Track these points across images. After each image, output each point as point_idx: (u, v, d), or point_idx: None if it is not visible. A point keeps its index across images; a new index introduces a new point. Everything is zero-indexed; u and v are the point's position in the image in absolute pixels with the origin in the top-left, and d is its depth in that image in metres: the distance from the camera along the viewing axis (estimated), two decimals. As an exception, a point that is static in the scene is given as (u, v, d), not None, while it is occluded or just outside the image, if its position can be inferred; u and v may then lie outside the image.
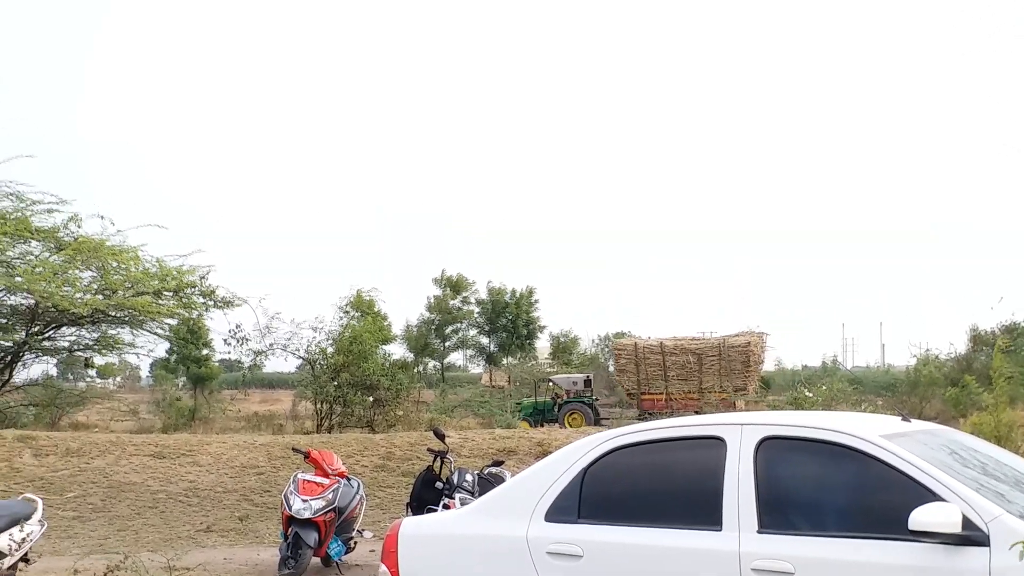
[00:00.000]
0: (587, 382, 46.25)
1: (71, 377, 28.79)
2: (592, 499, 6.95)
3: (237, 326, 29.20)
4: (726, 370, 45.18)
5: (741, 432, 6.69)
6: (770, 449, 6.61)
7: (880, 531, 6.10)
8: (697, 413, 39.29)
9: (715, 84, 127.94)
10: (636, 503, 6.92)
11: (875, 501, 6.34)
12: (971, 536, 5.80)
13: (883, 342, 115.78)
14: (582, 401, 44.55)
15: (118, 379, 66.47)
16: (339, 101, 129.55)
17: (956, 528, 5.76)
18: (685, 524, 6.63)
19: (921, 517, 5.79)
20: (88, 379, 31.06)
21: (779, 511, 6.51)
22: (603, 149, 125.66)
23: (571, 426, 38.22)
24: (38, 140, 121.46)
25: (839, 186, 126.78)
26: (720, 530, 6.47)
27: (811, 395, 30.64)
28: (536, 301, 74.73)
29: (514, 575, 6.92)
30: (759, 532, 6.39)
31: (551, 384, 47.35)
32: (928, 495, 5.99)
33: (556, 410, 43.84)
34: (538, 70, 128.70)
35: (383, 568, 7.42)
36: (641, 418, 44.12)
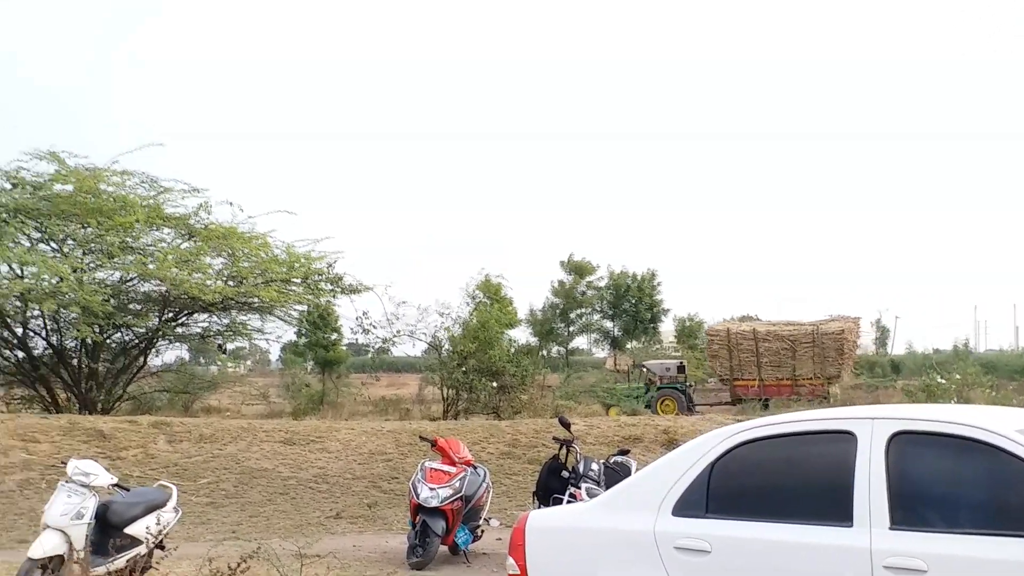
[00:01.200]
0: (680, 368, 45.96)
1: (203, 362, 29.38)
2: (720, 493, 6.89)
3: (364, 313, 29.51)
4: (819, 357, 44.82)
5: (872, 426, 6.57)
6: (902, 443, 6.48)
7: (1017, 529, 5.95)
8: (810, 400, 39.20)
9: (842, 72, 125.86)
10: (765, 498, 6.84)
11: (1011, 497, 6.18)
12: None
13: (1016, 324, 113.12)
14: (675, 387, 44.31)
15: (248, 363, 67.60)
16: (462, 76, 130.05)
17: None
18: (815, 520, 6.54)
19: None
20: (219, 363, 31.66)
21: (912, 507, 6.38)
22: (732, 122, 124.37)
23: (663, 413, 37.95)
24: (167, 130, 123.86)
25: (974, 160, 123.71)
26: (851, 526, 6.36)
27: (943, 381, 30.08)
28: (659, 284, 74.49)
29: (641, 570, 6.90)
30: (891, 529, 6.27)
31: (644, 370, 47.13)
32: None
33: (648, 396, 43.66)
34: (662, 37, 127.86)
35: (510, 561, 7.45)
36: (733, 403, 43.99)
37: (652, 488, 7.13)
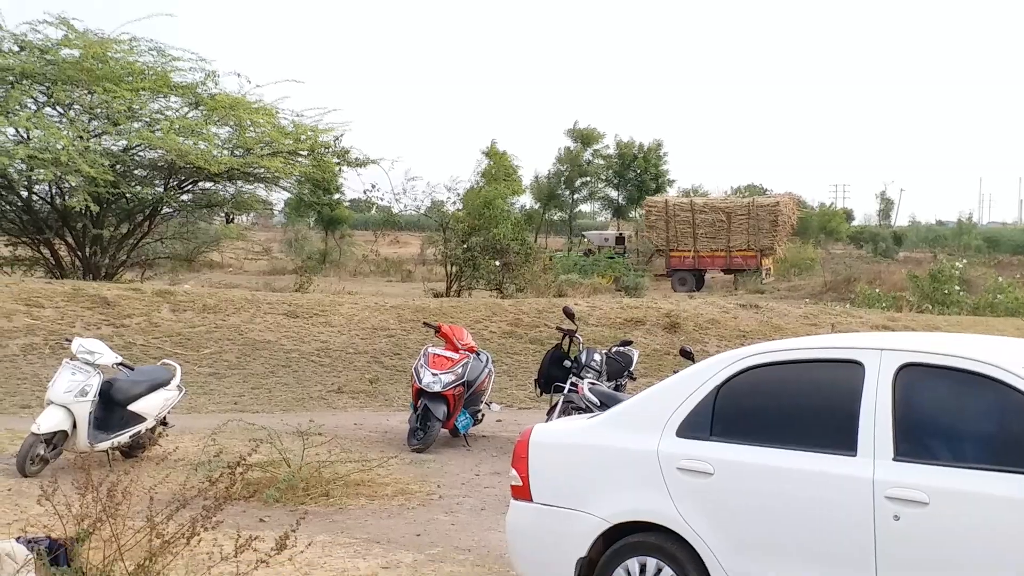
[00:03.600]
0: (619, 239, 46.36)
1: (206, 215, 29.34)
2: (725, 417, 6.88)
3: (372, 186, 29.45)
4: (754, 229, 46.55)
5: (880, 357, 6.54)
6: (910, 375, 6.45)
7: (1020, 465, 5.96)
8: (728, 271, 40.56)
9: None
10: (769, 423, 6.84)
11: (1016, 433, 6.18)
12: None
13: (1021, 198, 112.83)
14: (611, 259, 44.74)
15: (251, 216, 67.47)
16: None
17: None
18: (819, 448, 6.55)
19: None
20: (220, 219, 31.56)
21: (916, 439, 6.39)
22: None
23: (602, 280, 38.48)
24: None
25: (984, 33, 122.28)
26: (855, 456, 6.38)
27: (959, 266, 30.42)
28: (665, 154, 74.14)
29: (644, 488, 6.93)
30: (895, 460, 6.28)
31: (585, 239, 47.67)
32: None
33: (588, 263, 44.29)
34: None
35: (513, 472, 7.49)
36: (668, 275, 45.08)
37: (657, 408, 7.13)
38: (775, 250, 47.66)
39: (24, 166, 23.14)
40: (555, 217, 77.35)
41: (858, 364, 6.57)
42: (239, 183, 27.30)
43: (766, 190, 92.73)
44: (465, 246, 28.26)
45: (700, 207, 48.11)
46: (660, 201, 49.60)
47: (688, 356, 12.92)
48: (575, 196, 76.39)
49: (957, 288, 30.24)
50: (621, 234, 47.61)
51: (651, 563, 6.81)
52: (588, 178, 74.80)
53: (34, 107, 24.54)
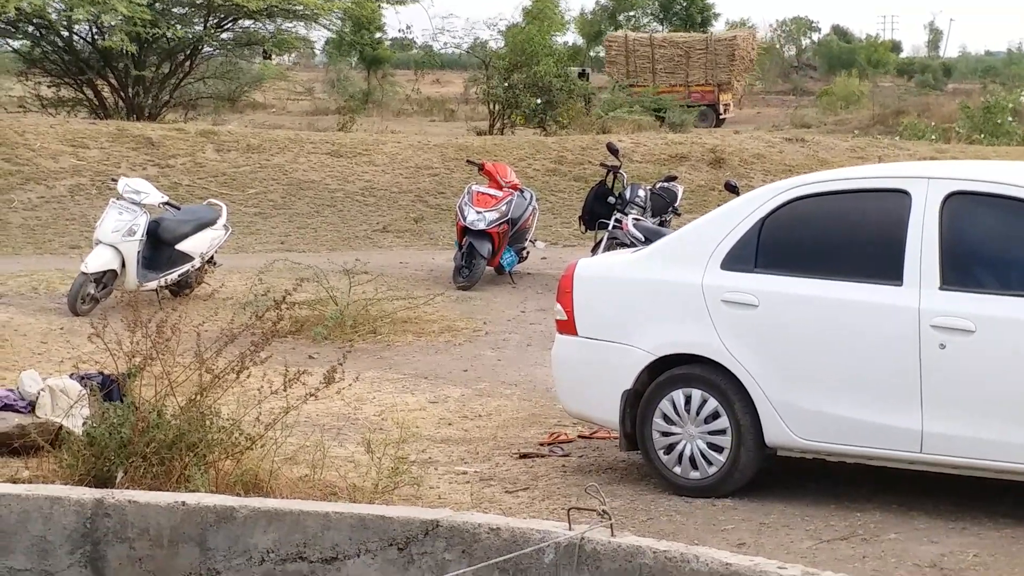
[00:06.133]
0: (581, 74, 45.97)
1: (247, 53, 29.09)
2: (770, 249, 6.85)
3: (408, 27, 29.15)
4: (711, 64, 46.48)
5: (927, 185, 6.48)
6: (956, 204, 6.41)
7: None
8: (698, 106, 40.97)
9: None
10: (815, 254, 6.82)
11: None
12: None
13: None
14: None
15: (292, 56, 66.98)
16: None
17: None
18: (864, 278, 6.55)
19: None
20: (262, 59, 31.29)
21: (963, 268, 6.40)
22: None
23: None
24: None
25: None
26: (900, 285, 6.37)
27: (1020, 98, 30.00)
28: (711, -13, 72.61)
29: (688, 321, 6.94)
30: (941, 289, 6.28)
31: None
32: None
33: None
34: None
35: (558, 307, 7.50)
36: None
37: (701, 241, 7.09)
38: (733, 85, 47.66)
39: (62, 6, 22.98)
40: (600, 54, 76.29)
41: (904, 193, 6.52)
42: (278, 20, 27.03)
43: (813, 23, 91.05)
44: (507, 84, 28.00)
45: (659, 42, 48.26)
46: (620, 36, 49.71)
47: (733, 190, 12.82)
48: (618, 31, 75.25)
49: (1009, 119, 29.76)
50: (584, 70, 47.36)
51: (696, 395, 6.85)
52: (633, 12, 73.56)
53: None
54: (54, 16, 23.71)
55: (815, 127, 40.27)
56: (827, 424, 6.55)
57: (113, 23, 22.83)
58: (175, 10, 25.75)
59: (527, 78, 27.89)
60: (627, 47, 47.56)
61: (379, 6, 27.90)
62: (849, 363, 6.52)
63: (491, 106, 29.00)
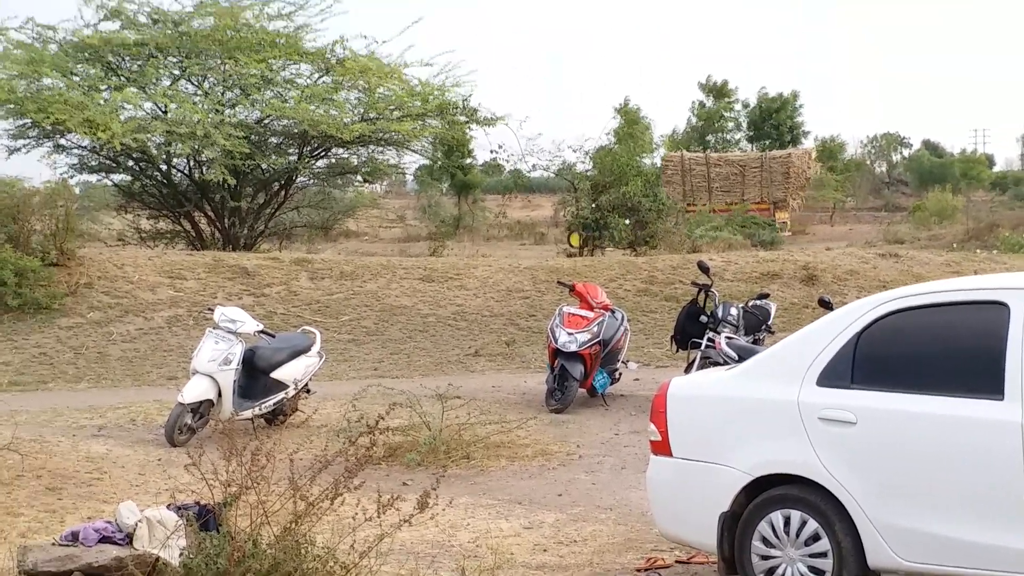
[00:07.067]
0: None
1: (340, 183, 29.68)
2: (866, 364, 6.73)
3: (500, 146, 29.56)
4: (767, 182, 46.71)
5: None
6: None
7: None
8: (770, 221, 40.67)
9: None
10: (913, 369, 6.68)
11: None
12: None
13: None
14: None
15: (384, 185, 68.07)
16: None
17: None
18: (964, 392, 6.39)
19: None
20: (356, 184, 31.86)
21: (1066, 382, 6.23)
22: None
23: (572, 245, 37.99)
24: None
25: None
26: (1002, 399, 6.22)
27: None
28: (801, 106, 72.79)
29: (785, 440, 6.82)
30: None
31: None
32: None
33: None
34: None
35: (652, 427, 7.42)
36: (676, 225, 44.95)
37: (796, 357, 7.00)
38: (788, 203, 47.57)
39: (162, 140, 23.60)
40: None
41: (1003, 305, 6.40)
42: (371, 147, 27.53)
43: (903, 138, 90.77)
44: (595, 205, 28.16)
45: (715, 161, 48.66)
46: (676, 156, 49.80)
47: (827, 306, 12.67)
48: (707, 150, 75.58)
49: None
50: None
51: (795, 516, 6.70)
52: (722, 133, 73.89)
53: (169, 80, 25.03)
54: (155, 151, 24.29)
55: (908, 242, 39.93)
56: (931, 545, 6.36)
57: (212, 156, 23.36)
58: (270, 141, 26.31)
59: (615, 199, 28.02)
60: (683, 166, 47.94)
61: (468, 128, 28.25)
62: (952, 481, 6.35)
63: (579, 228, 29.15)
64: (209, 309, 13.42)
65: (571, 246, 28.37)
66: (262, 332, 12.95)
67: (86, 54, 24.01)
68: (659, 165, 46.51)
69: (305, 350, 13.06)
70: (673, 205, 34.73)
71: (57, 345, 17.29)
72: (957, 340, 6.74)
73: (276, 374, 12.57)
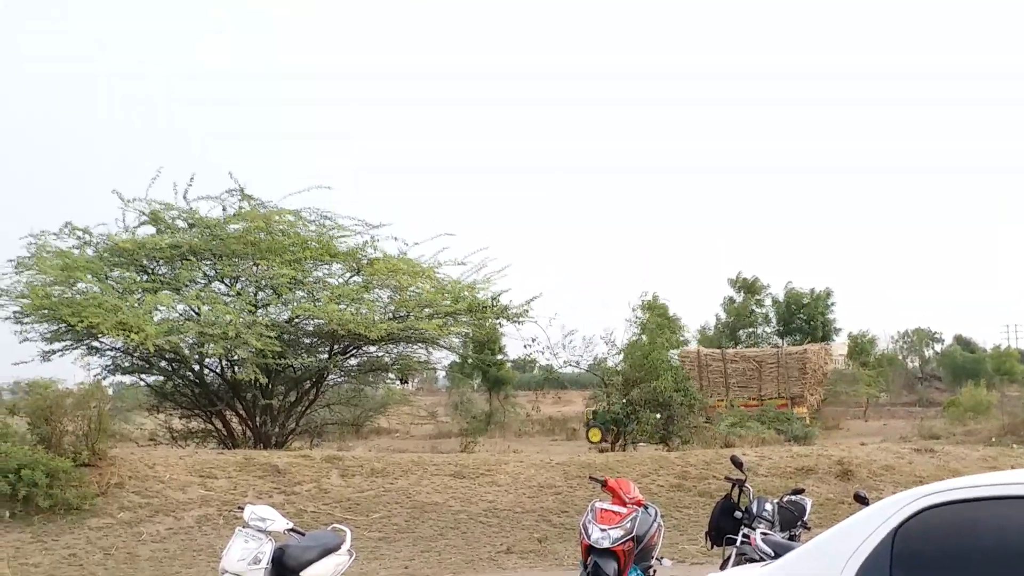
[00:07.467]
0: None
1: (371, 380, 29.87)
2: (904, 562, 6.59)
3: (533, 340, 29.76)
4: (783, 377, 47.38)
5: None
6: None
7: None
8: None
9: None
10: (954, 567, 6.54)
11: None
12: None
13: None
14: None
15: (415, 382, 68.42)
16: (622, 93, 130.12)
17: None
18: None
19: None
20: (388, 381, 32.04)
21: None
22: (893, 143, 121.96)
23: (592, 441, 37.87)
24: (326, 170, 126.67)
25: None
26: None
27: None
28: (833, 304, 73.10)
29: (823, 639, 6.68)
30: None
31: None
32: None
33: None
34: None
35: (687, 625, 7.30)
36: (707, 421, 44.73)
37: (831, 555, 6.88)
38: (806, 398, 47.79)
39: (195, 341, 23.84)
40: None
41: None
42: (402, 345, 27.72)
43: (935, 333, 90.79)
44: (626, 400, 28.19)
45: (731, 356, 49.64)
46: (692, 352, 50.86)
47: (863, 501, 12.51)
48: (737, 345, 75.73)
49: None
50: None
51: None
52: (753, 327, 74.13)
53: (202, 282, 25.41)
54: (187, 351, 24.51)
55: (944, 438, 39.59)
56: None
57: (244, 356, 23.55)
58: (302, 340, 26.52)
59: (646, 393, 28.04)
60: (699, 362, 48.57)
61: (498, 325, 28.45)
62: None
63: (597, 423, 29.20)
64: (239, 507, 13.36)
65: (591, 442, 28.38)
66: (292, 530, 12.86)
67: (121, 257, 24.48)
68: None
69: (335, 548, 12.94)
70: (703, 400, 34.84)
71: (87, 546, 17.18)
72: (998, 535, 6.59)
73: (306, 573, 12.43)
